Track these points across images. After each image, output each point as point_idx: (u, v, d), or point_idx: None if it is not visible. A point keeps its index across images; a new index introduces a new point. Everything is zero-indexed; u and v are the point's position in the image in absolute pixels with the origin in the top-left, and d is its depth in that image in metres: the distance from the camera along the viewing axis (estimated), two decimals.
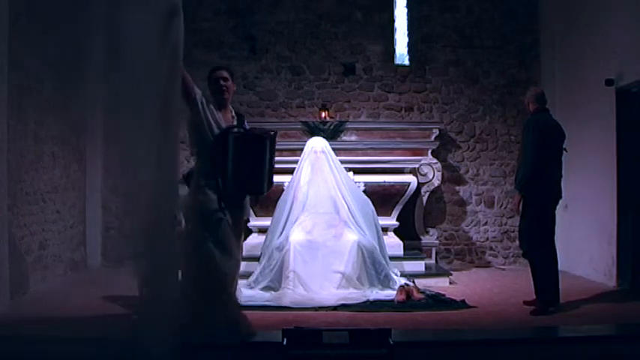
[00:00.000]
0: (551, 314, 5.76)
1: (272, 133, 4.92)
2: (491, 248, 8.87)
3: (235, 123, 4.94)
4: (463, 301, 6.28)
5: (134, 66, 4.21)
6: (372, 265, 6.64)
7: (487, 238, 8.88)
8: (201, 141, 4.79)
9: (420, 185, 8.24)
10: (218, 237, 4.67)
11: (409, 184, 7.96)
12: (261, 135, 4.84)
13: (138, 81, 4.24)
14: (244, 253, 7.48)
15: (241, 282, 6.68)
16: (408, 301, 6.22)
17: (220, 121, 4.82)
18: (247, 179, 4.75)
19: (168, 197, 4.37)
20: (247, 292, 6.39)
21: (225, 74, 4.98)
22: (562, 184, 6.09)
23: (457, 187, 8.90)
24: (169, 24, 4.32)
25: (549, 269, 5.90)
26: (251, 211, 7.98)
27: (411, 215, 8.37)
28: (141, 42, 4.20)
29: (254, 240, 7.52)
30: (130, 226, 4.71)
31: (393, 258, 7.12)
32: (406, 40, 8.78)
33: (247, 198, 5.06)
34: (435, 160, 8.46)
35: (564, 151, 6.07)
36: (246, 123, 5.07)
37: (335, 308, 6.00)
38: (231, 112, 5.02)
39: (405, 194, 7.96)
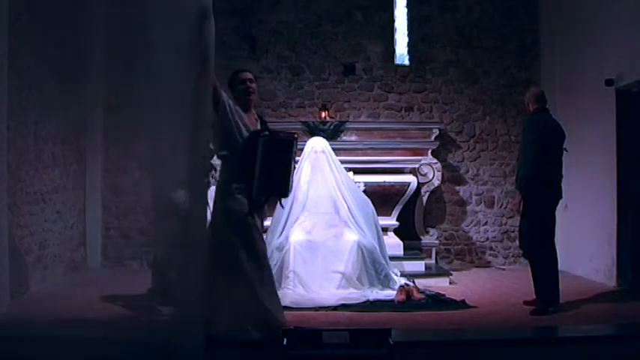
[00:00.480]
0: (551, 314, 5.76)
1: (295, 135, 4.96)
2: (491, 248, 8.87)
3: (259, 126, 4.93)
4: (463, 301, 6.28)
5: (166, 69, 4.23)
6: (372, 265, 6.64)
7: (487, 238, 8.88)
8: (230, 144, 4.76)
9: (420, 185, 8.23)
10: (247, 242, 4.69)
11: (409, 184, 7.96)
12: (288, 138, 4.87)
13: (169, 84, 4.25)
14: None
15: None
16: (408, 301, 6.22)
17: (248, 123, 4.81)
18: (274, 182, 4.77)
19: (198, 198, 4.37)
20: None
21: (251, 76, 4.97)
22: (563, 184, 6.09)
23: (457, 187, 8.90)
24: (201, 26, 4.32)
25: (549, 269, 5.90)
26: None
27: (411, 215, 8.37)
28: (172, 45, 4.22)
29: None
30: (160, 225, 4.73)
31: (393, 258, 7.12)
32: (406, 40, 8.77)
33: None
34: (435, 160, 8.46)
35: (565, 151, 6.07)
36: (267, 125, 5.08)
37: (335, 308, 6.00)
38: (254, 114, 5.01)
39: (405, 194, 7.96)
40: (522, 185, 5.92)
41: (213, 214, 4.84)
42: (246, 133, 4.76)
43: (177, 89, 4.28)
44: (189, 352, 4.11)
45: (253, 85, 4.95)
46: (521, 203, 5.96)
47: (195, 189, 4.37)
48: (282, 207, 5.16)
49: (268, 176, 4.69)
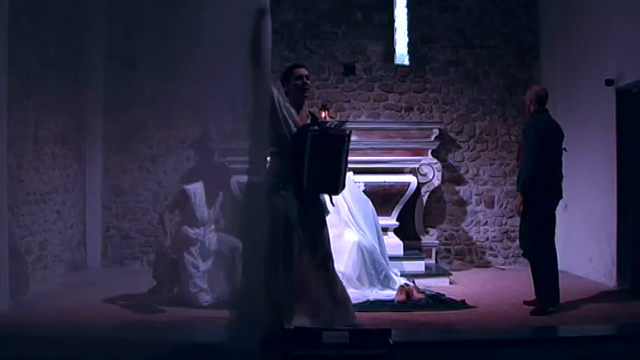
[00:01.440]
0: (550, 314, 5.76)
1: (348, 131, 4.88)
2: (491, 248, 8.87)
3: (310, 121, 4.87)
4: (463, 301, 6.28)
5: (224, 65, 4.27)
6: (372, 265, 6.64)
7: (487, 238, 8.88)
8: (278, 140, 4.72)
9: (420, 185, 8.23)
10: (285, 244, 4.66)
11: (409, 184, 7.96)
12: (340, 134, 4.79)
13: (229, 80, 4.28)
14: None
15: None
16: (408, 301, 6.22)
17: (297, 120, 4.77)
18: (324, 179, 4.69)
19: (260, 196, 4.42)
20: None
21: (307, 72, 4.94)
22: (562, 184, 6.09)
23: (457, 187, 8.90)
24: (259, 22, 4.35)
25: (549, 270, 5.90)
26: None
27: (411, 215, 8.37)
28: (231, 41, 4.25)
29: None
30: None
31: (393, 258, 7.12)
32: (406, 40, 8.76)
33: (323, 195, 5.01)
34: (435, 160, 8.45)
35: (564, 151, 6.07)
36: (319, 121, 5.03)
37: None
38: (306, 111, 4.97)
39: (405, 194, 7.96)
40: (524, 187, 5.92)
41: None
42: (294, 129, 4.70)
43: (235, 86, 4.31)
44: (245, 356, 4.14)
45: (309, 82, 4.92)
46: (522, 204, 5.96)
47: (255, 185, 4.41)
48: (333, 205, 5.09)
49: (318, 172, 4.62)
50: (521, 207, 5.97)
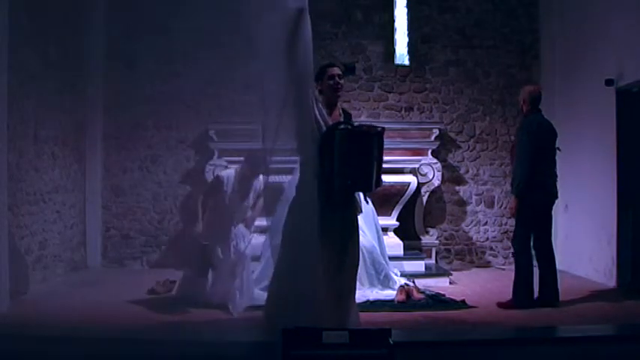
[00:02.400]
0: (550, 314, 5.77)
1: (379, 129, 4.78)
2: (491, 248, 8.87)
3: (342, 119, 4.83)
4: (463, 301, 6.28)
5: (269, 66, 4.29)
6: (372, 265, 6.64)
7: (487, 238, 8.88)
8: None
9: (420, 185, 8.23)
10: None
11: (409, 184, 7.96)
12: (368, 131, 4.71)
13: (274, 81, 4.30)
14: None
15: None
16: (408, 301, 6.22)
17: (328, 119, 4.74)
18: (354, 177, 4.61)
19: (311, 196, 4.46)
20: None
21: (339, 71, 4.86)
22: (562, 184, 6.09)
23: (457, 187, 8.90)
24: (299, 23, 4.33)
25: (530, 273, 5.93)
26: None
27: (411, 215, 8.37)
28: (273, 43, 4.26)
29: (254, 240, 7.49)
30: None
31: (393, 258, 7.12)
32: (406, 40, 8.76)
33: (357, 194, 4.95)
34: (435, 160, 8.45)
35: (558, 151, 6.07)
36: (352, 120, 4.96)
37: None
38: (339, 109, 4.93)
39: (405, 194, 7.96)
40: (519, 189, 5.92)
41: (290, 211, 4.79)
42: (324, 129, 4.66)
43: (278, 89, 4.34)
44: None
45: (342, 81, 4.85)
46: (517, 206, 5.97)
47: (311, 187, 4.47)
48: (367, 202, 5.06)
49: (347, 170, 4.55)
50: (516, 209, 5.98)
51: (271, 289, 4.88)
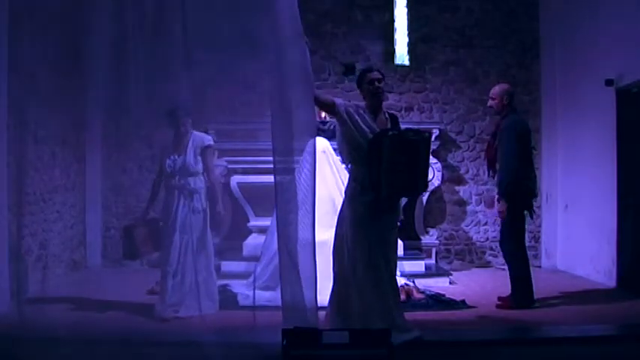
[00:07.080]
0: (550, 313, 5.77)
1: (427, 134, 4.82)
2: (491, 248, 8.86)
3: (389, 125, 4.83)
4: (463, 301, 6.28)
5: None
6: None
7: (487, 238, 8.88)
8: (353, 149, 4.74)
9: None
10: (362, 251, 4.73)
11: None
12: (416, 137, 4.71)
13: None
14: (244, 253, 7.55)
15: (241, 282, 6.70)
16: (408, 301, 6.22)
17: (373, 124, 4.73)
18: (402, 182, 4.63)
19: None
20: (247, 292, 6.38)
21: (379, 75, 4.85)
22: (562, 184, 6.10)
23: (457, 187, 8.90)
24: (296, 46, 4.58)
25: (528, 270, 5.92)
26: (251, 212, 7.97)
27: (411, 215, 8.36)
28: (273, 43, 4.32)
29: (254, 240, 7.51)
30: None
31: None
32: (406, 40, 8.77)
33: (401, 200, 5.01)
34: (435, 160, 8.45)
35: (533, 150, 6.10)
36: (399, 124, 5.00)
37: None
38: (385, 113, 4.92)
39: None
40: (507, 192, 5.92)
41: (340, 217, 4.87)
42: (370, 135, 4.66)
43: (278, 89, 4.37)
44: None
45: (381, 85, 4.82)
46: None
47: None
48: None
49: (395, 177, 4.57)
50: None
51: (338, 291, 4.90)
